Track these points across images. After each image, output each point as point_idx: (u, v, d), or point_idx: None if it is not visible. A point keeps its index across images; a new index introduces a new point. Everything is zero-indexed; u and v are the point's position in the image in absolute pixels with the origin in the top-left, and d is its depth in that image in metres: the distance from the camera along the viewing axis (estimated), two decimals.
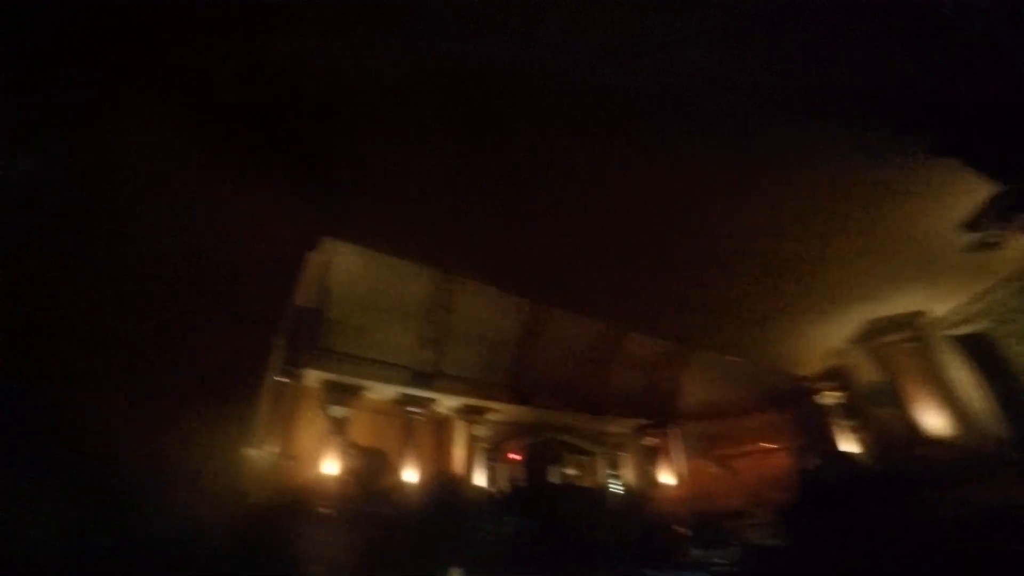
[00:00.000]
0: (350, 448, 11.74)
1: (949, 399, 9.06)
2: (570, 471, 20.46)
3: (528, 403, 13.74)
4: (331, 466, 11.46)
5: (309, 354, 11.51)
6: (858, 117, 5.81)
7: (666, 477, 15.37)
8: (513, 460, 21.30)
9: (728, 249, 7.93)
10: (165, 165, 4.79)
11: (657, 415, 15.71)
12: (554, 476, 21.53)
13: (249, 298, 5.76)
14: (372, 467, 11.65)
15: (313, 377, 11.87)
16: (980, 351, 9.82)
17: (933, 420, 8.91)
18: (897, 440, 9.51)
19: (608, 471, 17.53)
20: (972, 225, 7.28)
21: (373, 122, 6.16)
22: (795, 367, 11.85)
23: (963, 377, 9.49)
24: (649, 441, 16.02)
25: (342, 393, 11.99)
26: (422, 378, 12.45)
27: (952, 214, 7.22)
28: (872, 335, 9.76)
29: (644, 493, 15.37)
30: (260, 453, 8.68)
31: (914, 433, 9.16)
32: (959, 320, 9.64)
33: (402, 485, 11.76)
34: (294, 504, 9.34)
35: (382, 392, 12.57)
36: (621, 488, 16.60)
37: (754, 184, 6.82)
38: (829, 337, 10.16)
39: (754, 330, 10.10)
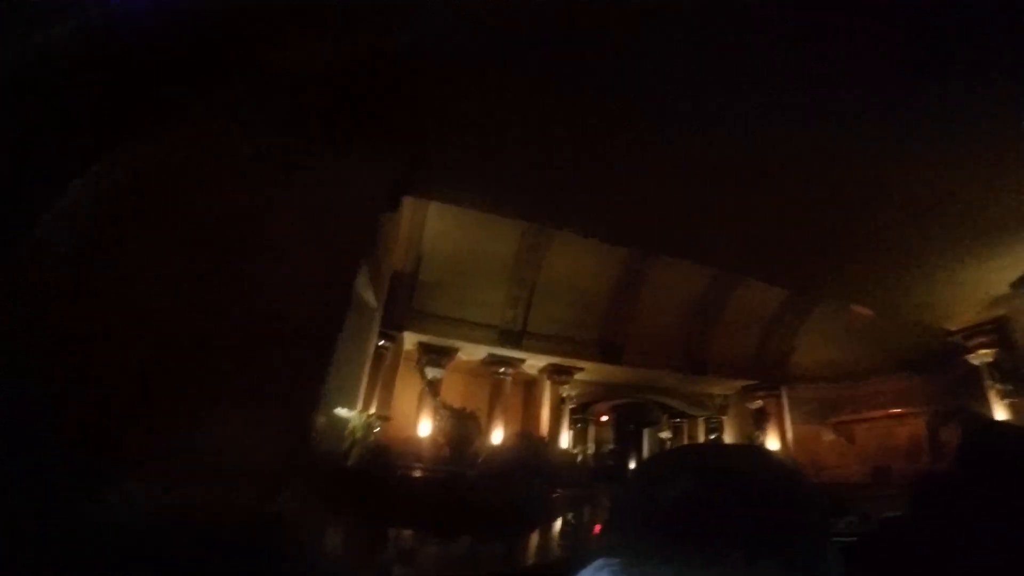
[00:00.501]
0: (443, 409, 12.02)
1: None
2: (665, 435, 19.81)
3: (620, 362, 13.19)
4: (425, 427, 11.83)
5: (405, 316, 11.81)
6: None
7: (772, 443, 14.23)
8: (602, 422, 21.11)
9: (857, 179, 6.78)
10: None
11: (767, 376, 14.47)
12: (649, 440, 21.01)
13: (335, 266, 5.78)
14: (463, 429, 11.86)
15: (409, 339, 12.21)
16: None
17: None
18: None
19: (708, 436, 16.69)
20: None
21: (446, 74, 5.86)
22: (939, 320, 10.21)
23: None
24: (756, 404, 14.88)
25: (436, 354, 12.24)
26: (510, 337, 12.35)
27: None
28: None
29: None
30: (359, 415, 9.09)
31: None
32: None
33: (492, 447, 11.87)
34: (387, 464, 9.69)
35: (473, 352, 12.68)
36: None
37: (891, 100, 5.67)
38: (983, 283, 8.56)
39: (888, 275, 8.73)
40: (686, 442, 17.89)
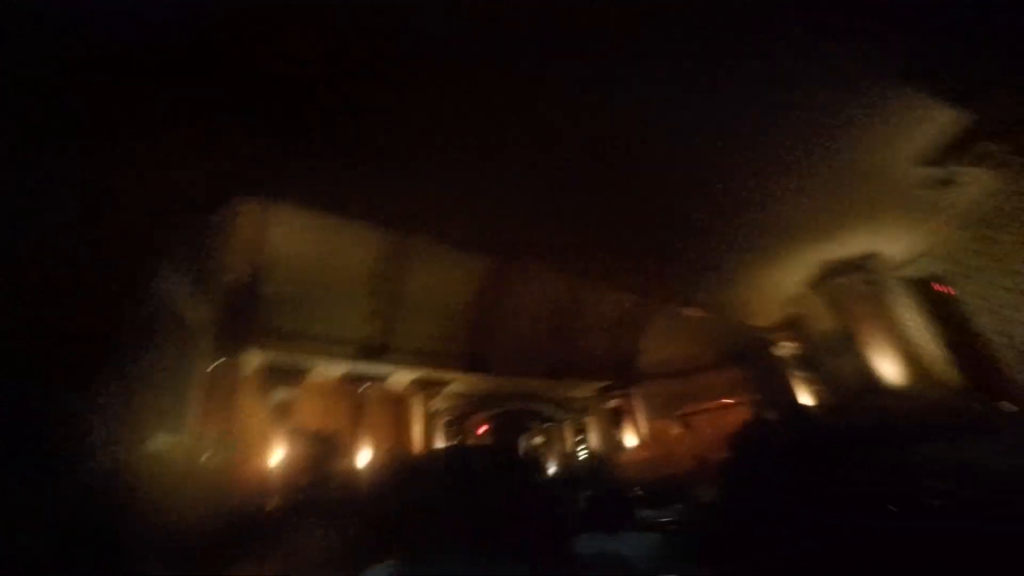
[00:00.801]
0: (296, 433, 10.97)
1: (904, 345, 9.00)
2: (538, 440, 20.31)
3: (487, 371, 13.19)
4: (276, 455, 10.69)
5: (246, 333, 10.60)
6: (815, 36, 5.39)
7: (630, 439, 15.26)
8: (480, 434, 21.05)
9: (680, 191, 7.49)
10: None
11: (619, 376, 15.49)
12: (524, 447, 21.39)
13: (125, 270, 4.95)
14: (321, 452, 10.93)
15: (253, 358, 10.98)
16: (933, 294, 9.84)
17: (889, 368, 8.81)
18: (853, 391, 9.44)
19: (575, 438, 17.40)
20: (930, 160, 7.07)
21: (308, 67, 5.37)
22: (754, 317, 11.71)
23: (918, 322, 9.46)
24: (612, 404, 15.84)
25: (285, 374, 11.15)
26: (370, 352, 11.69)
27: (910, 149, 6.96)
28: (825, 278, 9.59)
29: (609, 457, 15.22)
30: (192, 446, 7.92)
31: (870, 383, 9.10)
32: (912, 261, 9.56)
33: (355, 469, 11.11)
34: (228, 500, 8.56)
35: (329, 370, 11.79)
36: (587, 454, 16.46)
37: (704, 125, 6.38)
38: (784, 283, 9.97)
39: (709, 278, 9.80)
40: (556, 447, 18.56)
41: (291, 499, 9.93)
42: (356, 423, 11.87)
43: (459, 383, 13.48)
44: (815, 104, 6.01)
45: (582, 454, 16.86)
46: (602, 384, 15.73)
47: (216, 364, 10.10)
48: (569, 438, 17.64)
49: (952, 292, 9.59)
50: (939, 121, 6.34)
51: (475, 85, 5.68)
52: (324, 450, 11.24)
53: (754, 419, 11.57)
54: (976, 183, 7.67)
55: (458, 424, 17.18)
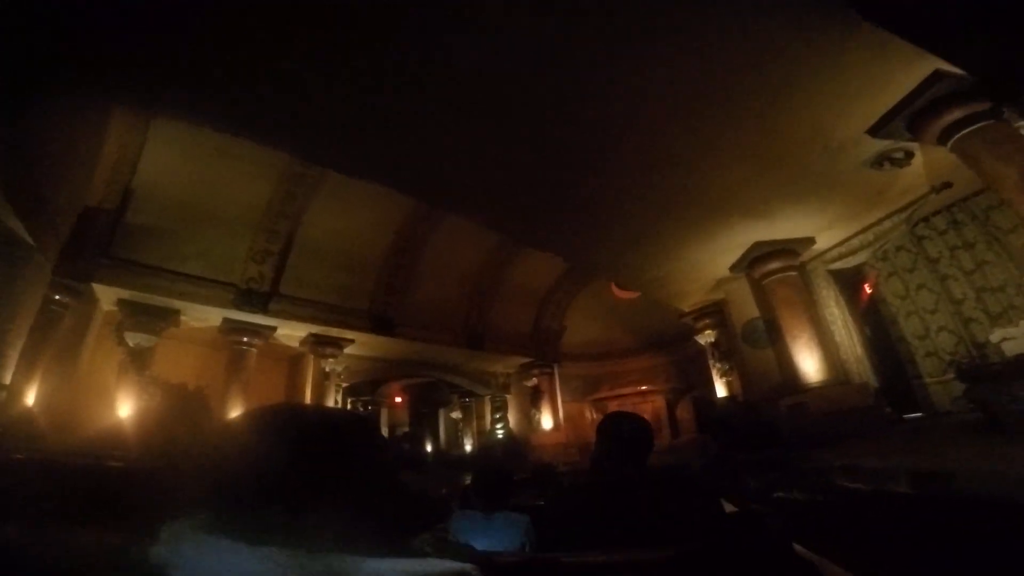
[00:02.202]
0: (154, 386, 9.53)
1: (825, 339, 8.41)
2: (455, 415, 19.40)
3: (393, 333, 12.01)
4: (126, 409, 9.26)
5: (97, 264, 9.02)
6: None
7: (546, 420, 14.52)
8: (397, 404, 19.96)
9: (606, 155, 6.51)
10: None
11: (541, 353, 14.66)
12: (444, 421, 20.45)
13: None
14: (182, 410, 9.55)
15: (106, 295, 9.43)
16: (860, 289, 9.33)
17: (807, 363, 8.19)
18: (769, 384, 8.85)
19: (494, 416, 16.55)
20: (877, 130, 6.26)
21: None
22: (675, 300, 11.00)
23: (841, 318, 8.92)
24: (532, 382, 15.03)
25: (145, 316, 9.64)
26: (252, 298, 10.29)
27: (858, 122, 6.18)
28: (753, 261, 8.88)
29: (525, 438, 14.46)
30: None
31: (787, 377, 8.50)
32: (842, 253, 9.00)
33: (222, 431, 9.77)
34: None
35: (204, 317, 10.33)
36: (502, 432, 15.66)
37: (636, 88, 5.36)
38: (714, 263, 9.23)
39: (638, 254, 8.93)
40: (475, 423, 17.70)
41: (134, 456, 8.61)
42: (235, 380, 10.48)
43: (361, 344, 12.25)
44: (750, 58, 5.05)
45: (500, 432, 16.03)
46: (524, 360, 14.87)
47: (57, 298, 8.55)
48: (487, 415, 16.77)
49: (877, 290, 9.12)
50: (899, 83, 5.50)
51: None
52: (185, 407, 9.86)
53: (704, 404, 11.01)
54: (930, 166, 7.02)
55: (363, 391, 16.02)
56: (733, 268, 9.35)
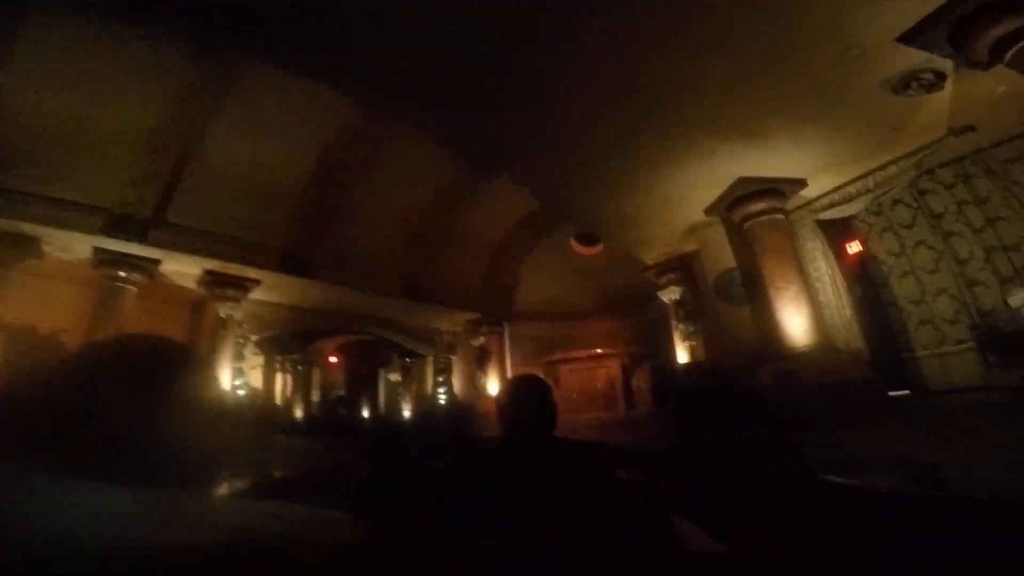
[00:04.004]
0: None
1: (809, 298, 7.17)
2: (394, 376, 17.85)
3: (314, 276, 10.17)
4: None
5: None
6: None
7: (493, 383, 13.16)
8: (331, 364, 18.18)
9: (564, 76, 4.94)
10: None
11: (491, 310, 13.15)
12: (383, 384, 18.83)
13: None
14: (24, 356, 7.62)
15: None
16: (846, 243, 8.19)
17: (794, 322, 6.94)
18: (744, 349, 7.63)
19: (437, 377, 15.08)
20: (912, 38, 4.86)
21: None
22: (640, 249, 9.63)
23: (829, 272, 7.74)
24: (479, 341, 13.56)
25: None
26: (129, 225, 8.24)
27: (891, 21, 4.71)
28: (734, 205, 7.54)
29: (468, 404, 13.07)
30: None
31: (767, 340, 7.27)
32: (834, 201, 7.75)
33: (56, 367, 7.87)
34: None
35: (70, 246, 8.26)
36: (445, 397, 14.25)
37: None
38: (687, 203, 7.83)
39: (607, 178, 7.42)
40: (416, 386, 16.21)
41: None
42: (106, 322, 8.51)
43: (275, 288, 10.40)
44: None
45: (442, 396, 14.59)
46: (472, 317, 13.33)
47: None
48: (429, 376, 15.29)
49: (868, 247, 8.01)
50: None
51: None
52: (32, 353, 7.88)
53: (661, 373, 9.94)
54: (959, 98, 5.71)
55: (290, 347, 14.23)
56: (710, 210, 7.98)
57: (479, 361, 13.72)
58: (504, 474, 1.55)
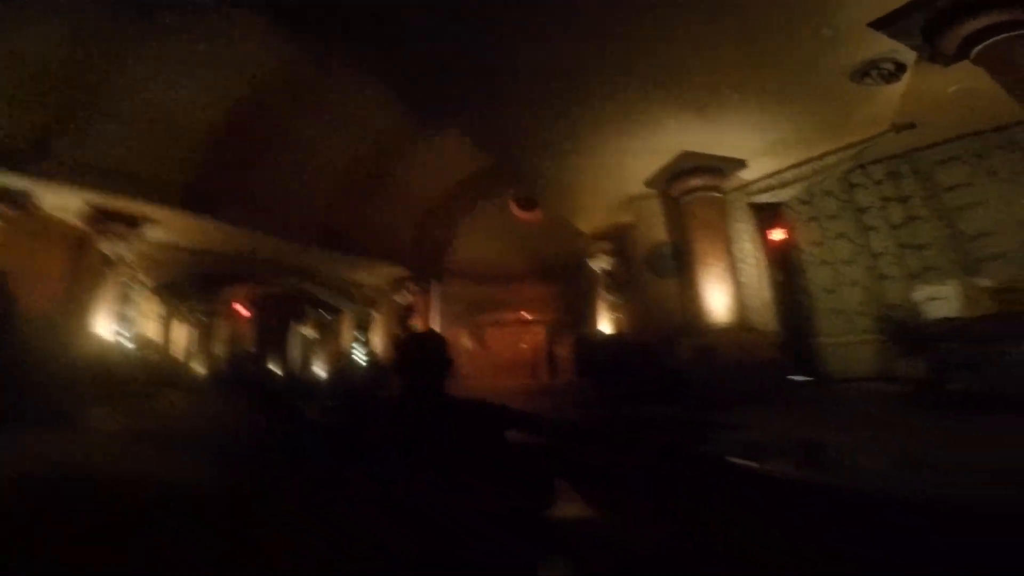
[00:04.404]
0: None
1: (734, 277, 7.24)
2: (309, 332, 16.83)
3: (221, 216, 9.03)
4: None
5: None
6: None
7: None
8: (241, 316, 16.70)
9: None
10: None
11: (421, 267, 12.47)
12: (295, 338, 17.65)
13: None
14: None
15: None
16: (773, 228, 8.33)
17: (717, 298, 7.00)
18: (669, 323, 7.64)
19: (355, 333, 14.31)
20: (887, 25, 4.73)
21: None
22: (577, 217, 9.40)
23: (754, 255, 7.85)
24: (406, 299, 12.91)
25: None
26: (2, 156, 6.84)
27: (869, 5, 4.55)
28: (674, 179, 7.44)
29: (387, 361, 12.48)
30: None
31: (691, 315, 7.31)
32: (770, 185, 7.81)
33: None
34: None
35: None
36: (365, 356, 13.57)
37: None
38: (627, 173, 7.61)
39: (544, 163, 7.04)
40: (333, 343, 15.32)
41: None
42: None
43: (173, 228, 9.18)
44: None
45: (360, 355, 13.87)
46: (399, 273, 12.61)
47: None
48: (347, 333, 14.49)
49: (793, 234, 8.21)
50: None
51: None
52: None
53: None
54: (911, 94, 5.74)
55: (193, 296, 12.85)
56: (651, 182, 7.87)
57: (402, 319, 13.11)
58: (391, 426, 1.58)
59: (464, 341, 12.48)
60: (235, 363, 15.27)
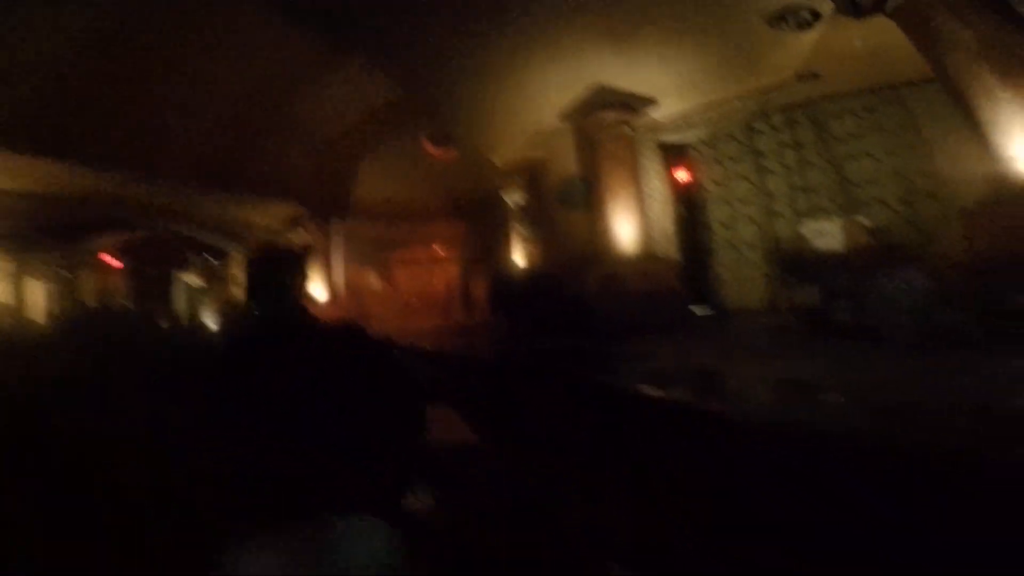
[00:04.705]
0: None
1: (641, 210, 7.35)
2: (194, 280, 15.08)
3: (73, 156, 7.52)
4: None
5: None
6: None
7: (318, 288, 11.72)
8: (111, 268, 14.48)
9: None
10: None
11: (320, 205, 11.42)
12: (178, 288, 15.74)
13: None
14: None
15: None
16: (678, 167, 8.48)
17: (624, 228, 7.07)
18: (579, 255, 7.64)
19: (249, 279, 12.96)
20: None
21: None
22: (489, 148, 9.02)
23: (660, 191, 8.00)
24: (303, 239, 11.83)
25: None
26: None
27: None
28: (589, 112, 7.35)
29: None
30: None
31: (600, 246, 7.33)
32: (678, 126, 7.91)
33: None
34: None
35: None
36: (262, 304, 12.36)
37: None
38: (543, 103, 7.36)
39: (454, 89, 6.51)
40: (225, 292, 13.83)
41: None
42: None
43: (12, 172, 7.55)
44: None
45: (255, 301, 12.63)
46: (296, 211, 11.46)
47: None
48: (242, 281, 13.12)
49: (696, 174, 8.43)
50: None
51: None
52: None
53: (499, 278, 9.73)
54: (822, 44, 5.83)
55: (47, 246, 10.91)
56: (564, 115, 7.72)
57: (297, 258, 12.03)
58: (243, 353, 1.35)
59: (371, 281, 11.77)
60: (95, 319, 13.33)
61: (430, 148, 11.10)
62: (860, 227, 6.21)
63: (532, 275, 8.31)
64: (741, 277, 8.00)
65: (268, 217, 11.75)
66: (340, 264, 11.61)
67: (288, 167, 10.77)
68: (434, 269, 11.57)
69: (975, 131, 4.06)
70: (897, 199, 6.93)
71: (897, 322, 4.04)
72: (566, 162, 8.05)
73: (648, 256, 7.11)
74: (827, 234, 6.18)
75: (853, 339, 4.24)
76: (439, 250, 11.58)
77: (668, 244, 7.71)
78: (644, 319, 5.69)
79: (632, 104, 7.22)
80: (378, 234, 11.72)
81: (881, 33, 4.98)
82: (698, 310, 7.56)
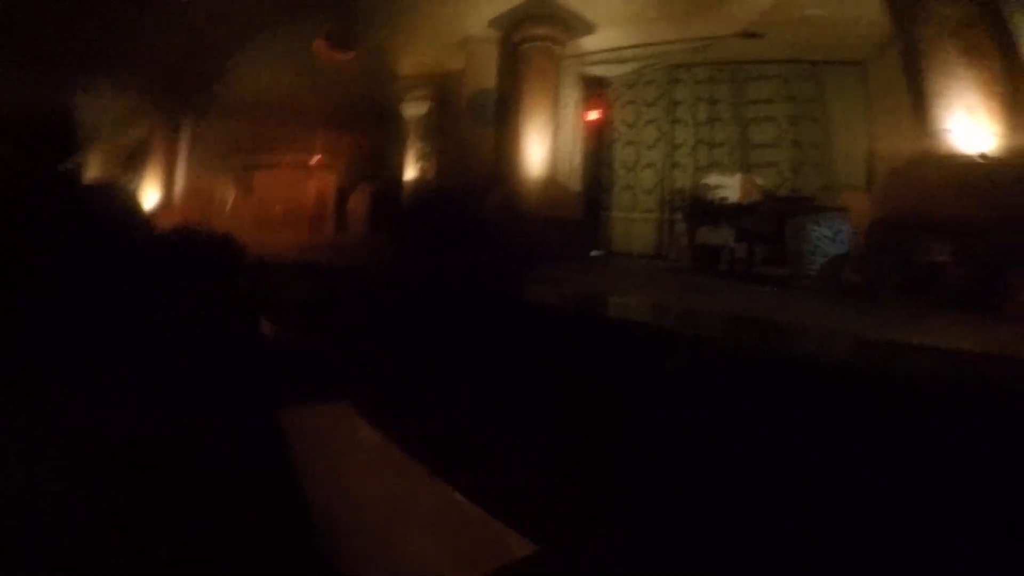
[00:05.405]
0: None
1: (553, 136, 6.81)
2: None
3: None
4: None
5: None
6: None
7: (152, 191, 9.49)
8: None
9: None
10: None
11: (167, 97, 9.12)
12: None
13: None
14: None
15: None
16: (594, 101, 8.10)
17: (533, 149, 6.58)
18: (480, 172, 6.94)
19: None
20: None
21: None
22: (410, 58, 7.88)
23: (573, 121, 7.55)
24: (136, 134, 9.44)
25: None
26: None
27: None
28: (520, 24, 6.74)
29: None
30: None
31: (505, 165, 6.71)
32: (607, 59, 7.55)
33: None
34: None
35: None
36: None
37: None
38: (472, 13, 6.67)
39: None
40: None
41: None
42: None
43: None
44: None
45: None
46: (132, 103, 9.07)
47: None
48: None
49: (610, 111, 8.12)
50: None
51: None
52: None
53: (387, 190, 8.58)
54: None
55: None
56: (495, 22, 6.94)
57: (134, 157, 9.67)
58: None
59: (226, 192, 9.83)
60: None
61: (328, 51, 9.29)
62: (755, 185, 6.34)
63: (430, 189, 7.44)
64: (633, 220, 7.94)
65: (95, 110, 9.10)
66: (183, 165, 9.46)
67: (132, 50, 8.32)
68: (303, 176, 9.96)
69: (914, 103, 4.06)
70: (789, 166, 7.22)
71: (811, 268, 4.04)
72: (484, 74, 7.32)
73: (554, 183, 6.67)
74: (726, 187, 6.20)
75: (761, 284, 4.20)
76: (315, 158, 9.94)
77: (573, 177, 7.35)
78: (545, 246, 5.22)
79: (570, 23, 6.66)
80: (245, 132, 9.70)
81: (838, 4, 4.87)
82: (592, 251, 7.38)
